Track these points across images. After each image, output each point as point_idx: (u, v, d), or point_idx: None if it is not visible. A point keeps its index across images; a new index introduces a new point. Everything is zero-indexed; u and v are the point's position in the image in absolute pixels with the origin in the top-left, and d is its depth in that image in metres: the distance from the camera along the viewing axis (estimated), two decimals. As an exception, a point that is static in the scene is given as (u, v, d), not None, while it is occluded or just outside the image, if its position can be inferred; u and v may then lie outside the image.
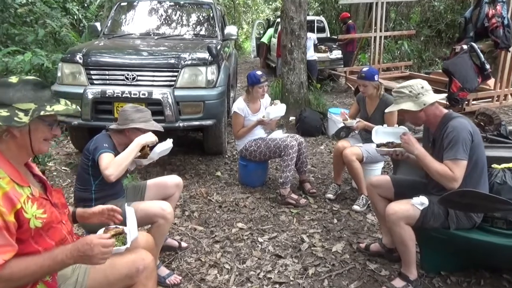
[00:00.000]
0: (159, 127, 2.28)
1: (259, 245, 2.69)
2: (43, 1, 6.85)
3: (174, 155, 4.27)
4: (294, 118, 5.36)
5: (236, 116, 3.45)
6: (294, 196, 3.30)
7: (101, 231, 1.55)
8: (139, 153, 2.15)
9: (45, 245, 1.29)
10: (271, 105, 3.49)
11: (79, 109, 1.41)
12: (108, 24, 4.81)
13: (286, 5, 5.53)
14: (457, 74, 4.09)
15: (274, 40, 9.69)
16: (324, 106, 6.10)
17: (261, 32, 13.08)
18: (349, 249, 2.63)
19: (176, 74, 3.62)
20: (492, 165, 2.12)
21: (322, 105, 6.08)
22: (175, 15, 5.08)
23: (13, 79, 1.28)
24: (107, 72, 3.64)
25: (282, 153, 3.28)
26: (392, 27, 11.31)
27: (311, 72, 7.06)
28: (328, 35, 11.04)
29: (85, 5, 8.92)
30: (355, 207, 3.18)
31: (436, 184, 2.04)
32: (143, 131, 2.16)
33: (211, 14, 5.00)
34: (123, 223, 1.61)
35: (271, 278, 2.33)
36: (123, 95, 3.48)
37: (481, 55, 4.11)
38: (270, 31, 10.93)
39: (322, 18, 11.85)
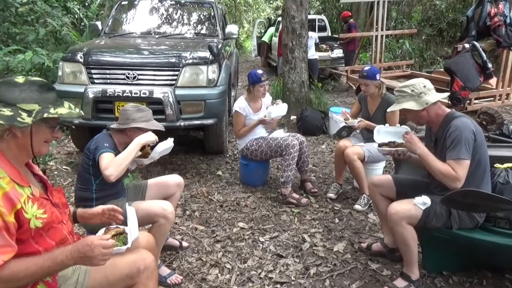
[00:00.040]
0: (160, 126, 2.27)
1: (260, 245, 2.69)
2: (44, 0, 6.85)
3: (175, 155, 4.27)
4: (295, 117, 5.35)
5: (237, 115, 3.45)
6: (296, 195, 3.29)
7: (101, 231, 1.54)
8: (140, 153, 2.15)
9: (46, 245, 1.29)
10: (273, 105, 3.48)
11: (83, 114, 1.40)
12: (109, 23, 4.81)
13: (287, 4, 5.51)
14: (459, 73, 4.08)
15: (275, 39, 9.68)
16: (325, 105, 6.08)
17: (262, 31, 13.03)
18: (351, 248, 2.63)
19: (177, 73, 3.61)
20: (495, 165, 2.12)
21: (323, 104, 6.07)
22: (176, 14, 5.08)
23: (20, 79, 1.27)
24: (108, 71, 3.64)
25: (284, 153, 3.27)
26: (394, 26, 11.29)
27: (312, 71, 7.06)
28: (330, 34, 11.02)
29: (86, 4, 8.94)
30: (357, 206, 3.17)
31: (438, 184, 2.03)
32: (144, 130, 2.15)
33: (212, 13, 4.99)
34: (124, 222, 1.61)
35: (272, 278, 2.33)
36: (124, 94, 3.47)
37: (483, 54, 4.10)
38: (271, 30, 10.91)
39: (323, 17, 11.85)
